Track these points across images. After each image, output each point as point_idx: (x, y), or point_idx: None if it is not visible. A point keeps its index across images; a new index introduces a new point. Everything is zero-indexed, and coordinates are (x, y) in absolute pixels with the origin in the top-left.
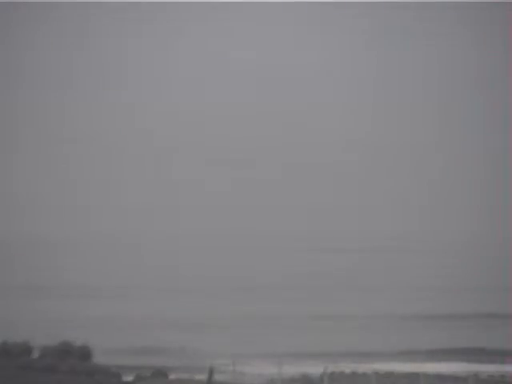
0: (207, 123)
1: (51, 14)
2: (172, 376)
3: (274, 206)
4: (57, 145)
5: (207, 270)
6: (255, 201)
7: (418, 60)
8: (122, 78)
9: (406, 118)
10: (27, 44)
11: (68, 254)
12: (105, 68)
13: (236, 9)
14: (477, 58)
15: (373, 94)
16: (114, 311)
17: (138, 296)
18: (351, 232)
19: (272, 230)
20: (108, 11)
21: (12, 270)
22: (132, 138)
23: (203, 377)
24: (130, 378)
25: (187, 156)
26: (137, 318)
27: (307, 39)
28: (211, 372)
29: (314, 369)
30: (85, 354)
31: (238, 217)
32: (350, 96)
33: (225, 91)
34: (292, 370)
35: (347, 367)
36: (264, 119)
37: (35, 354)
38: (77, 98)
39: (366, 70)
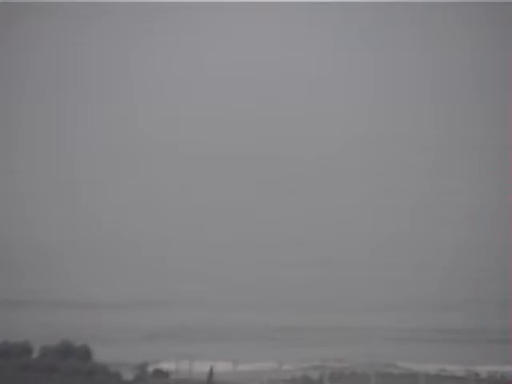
0: (208, 123)
1: (52, 14)
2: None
3: (272, 207)
4: (59, 145)
5: (208, 277)
6: (253, 201)
7: (418, 60)
8: (124, 79)
9: (405, 118)
10: (28, 44)
11: (71, 257)
12: (107, 68)
13: (235, 9)
14: (476, 58)
15: (372, 94)
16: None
17: (144, 305)
18: (350, 237)
19: (268, 232)
20: (111, 12)
21: (13, 274)
22: (135, 139)
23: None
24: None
25: (189, 156)
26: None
27: (307, 39)
28: (211, 372)
29: (314, 369)
30: (85, 353)
31: (236, 217)
32: (348, 96)
33: (225, 92)
34: (292, 370)
35: (347, 368)
36: (264, 119)
37: (35, 354)
38: (79, 100)
39: (366, 69)
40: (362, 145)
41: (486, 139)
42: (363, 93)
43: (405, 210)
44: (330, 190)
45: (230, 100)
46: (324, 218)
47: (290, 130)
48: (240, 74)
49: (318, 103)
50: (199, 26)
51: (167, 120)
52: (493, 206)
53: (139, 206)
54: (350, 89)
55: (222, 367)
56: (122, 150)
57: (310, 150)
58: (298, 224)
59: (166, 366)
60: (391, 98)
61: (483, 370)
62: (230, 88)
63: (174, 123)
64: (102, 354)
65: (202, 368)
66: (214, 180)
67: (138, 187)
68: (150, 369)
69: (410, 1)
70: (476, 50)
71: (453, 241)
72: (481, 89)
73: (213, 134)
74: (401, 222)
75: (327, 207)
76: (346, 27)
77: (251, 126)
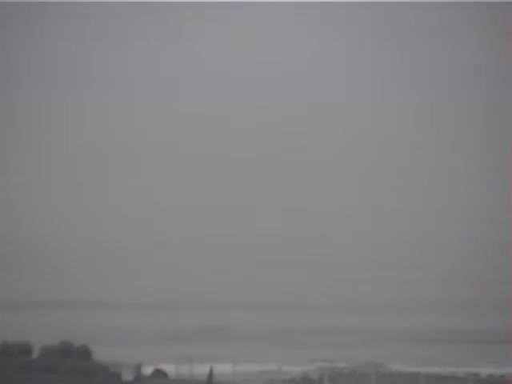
0: (208, 123)
1: (53, 14)
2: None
3: (272, 207)
4: (60, 145)
5: (212, 275)
6: (253, 201)
7: (418, 60)
8: (126, 79)
9: (405, 118)
10: (28, 44)
11: (73, 258)
12: (109, 68)
13: (235, 9)
14: (476, 58)
15: (371, 93)
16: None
17: (149, 307)
18: (350, 237)
19: (267, 232)
20: (111, 11)
21: (15, 276)
22: (135, 139)
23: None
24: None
25: (189, 156)
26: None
27: (307, 39)
28: (211, 372)
29: (314, 369)
30: (85, 353)
31: (236, 218)
32: (347, 95)
33: (228, 92)
34: (292, 370)
35: (347, 368)
36: (263, 119)
37: (35, 354)
38: (81, 99)
39: (366, 69)
40: (361, 145)
41: (486, 139)
42: (363, 93)
43: (405, 210)
44: (330, 190)
45: (229, 100)
46: (324, 218)
47: (290, 130)
48: (240, 74)
49: (318, 103)
50: (199, 26)
51: (168, 120)
52: (493, 206)
53: (140, 205)
54: (350, 89)
55: (221, 368)
56: (123, 150)
57: (310, 150)
58: (297, 224)
59: (165, 366)
60: (391, 97)
61: (483, 370)
62: (230, 88)
63: (174, 123)
64: (102, 355)
65: (201, 369)
66: (214, 180)
67: (138, 187)
68: (146, 369)
69: (410, 1)
70: (476, 50)
71: (453, 241)
72: (481, 89)
73: (212, 134)
74: (400, 222)
75: (327, 207)
76: (346, 27)
77: (251, 126)
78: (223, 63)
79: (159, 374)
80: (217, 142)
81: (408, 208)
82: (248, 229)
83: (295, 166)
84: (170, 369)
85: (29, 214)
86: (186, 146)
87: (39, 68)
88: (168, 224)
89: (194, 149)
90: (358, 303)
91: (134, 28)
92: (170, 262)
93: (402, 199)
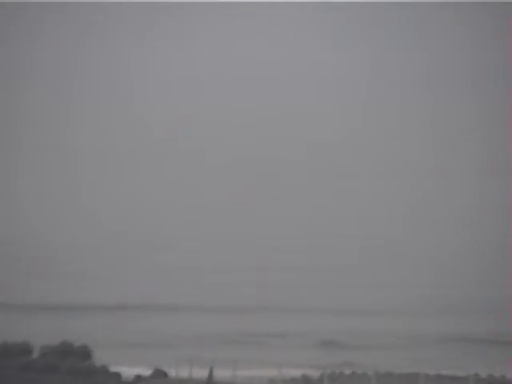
0: (208, 123)
1: (53, 14)
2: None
3: (269, 209)
4: (61, 145)
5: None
6: (251, 202)
7: (417, 60)
8: (126, 79)
9: (405, 118)
10: (30, 44)
11: (73, 258)
12: (108, 68)
13: (236, 10)
14: (476, 58)
15: (368, 93)
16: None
17: (151, 309)
18: (349, 239)
19: (267, 233)
20: (111, 11)
21: (15, 276)
22: (137, 139)
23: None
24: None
25: (189, 156)
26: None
27: (307, 39)
28: (211, 372)
29: (314, 369)
30: (85, 353)
31: (235, 219)
32: (346, 95)
33: (226, 92)
34: (292, 370)
35: (347, 368)
36: (263, 120)
37: (35, 354)
38: (80, 99)
39: (365, 69)
40: (360, 145)
41: (486, 139)
42: (362, 93)
43: (404, 210)
44: (328, 190)
45: (228, 100)
46: (323, 219)
47: (290, 130)
48: (239, 74)
49: (318, 103)
50: (200, 26)
51: (168, 119)
52: (493, 207)
53: (139, 206)
54: (350, 89)
55: (221, 369)
56: (123, 151)
57: (309, 150)
58: (296, 225)
59: (165, 368)
60: (391, 98)
61: (484, 371)
62: (229, 88)
63: (174, 122)
64: (102, 356)
65: (201, 370)
66: (213, 180)
67: (139, 188)
68: (145, 371)
69: (410, 1)
70: (476, 50)
71: (452, 242)
72: (481, 89)
73: (212, 134)
74: (399, 223)
75: (326, 208)
76: (346, 27)
77: (249, 127)
78: (223, 63)
79: (159, 374)
80: (217, 142)
81: (407, 208)
82: (247, 229)
83: (294, 166)
84: (169, 371)
85: (29, 215)
86: (186, 146)
87: (39, 68)
88: (168, 225)
89: (194, 149)
90: (357, 305)
91: (133, 28)
92: (170, 262)
93: (401, 200)
